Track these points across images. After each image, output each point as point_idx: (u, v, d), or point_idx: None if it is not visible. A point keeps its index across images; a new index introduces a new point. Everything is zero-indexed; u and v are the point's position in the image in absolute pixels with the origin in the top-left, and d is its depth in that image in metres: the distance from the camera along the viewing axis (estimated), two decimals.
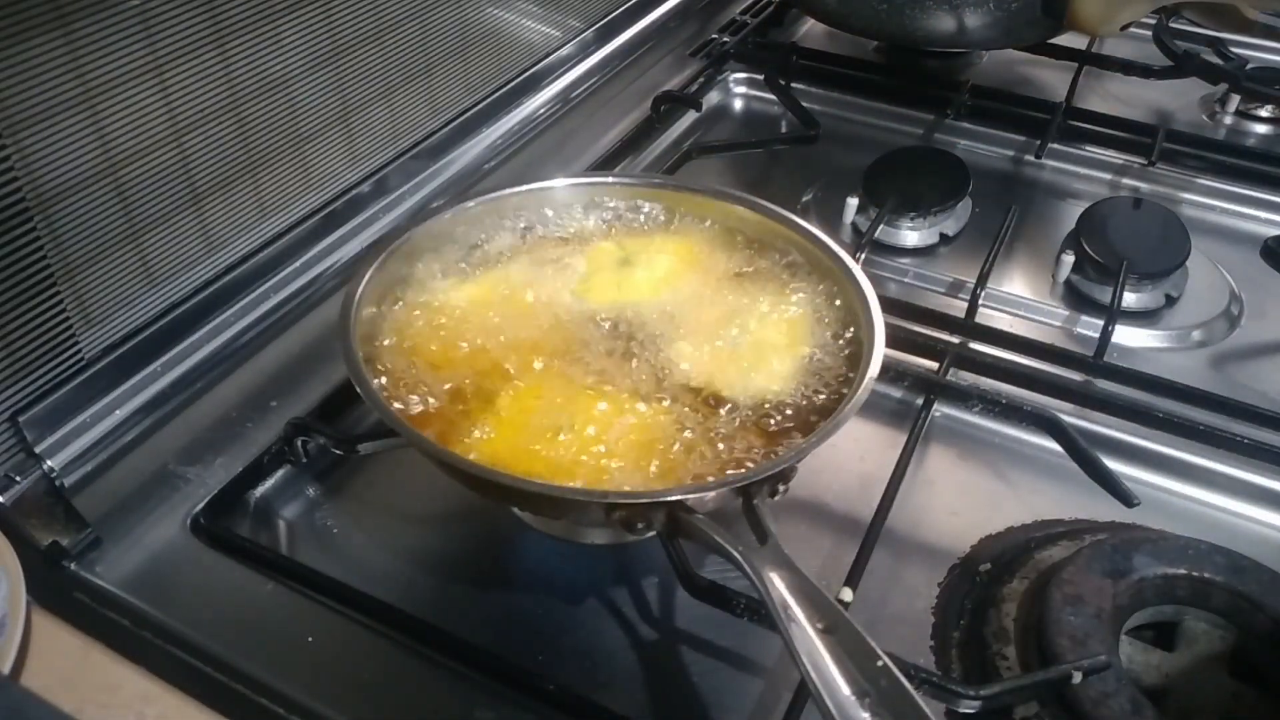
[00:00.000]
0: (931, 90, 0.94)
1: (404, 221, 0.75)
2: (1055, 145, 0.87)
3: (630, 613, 0.53)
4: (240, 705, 0.47)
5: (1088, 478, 0.57)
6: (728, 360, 0.54)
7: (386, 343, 0.55)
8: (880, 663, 0.38)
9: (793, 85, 0.94)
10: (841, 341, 0.55)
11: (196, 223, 0.63)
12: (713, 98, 0.97)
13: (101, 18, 0.53)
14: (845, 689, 0.37)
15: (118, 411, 0.59)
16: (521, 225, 0.63)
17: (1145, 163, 0.85)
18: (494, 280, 0.59)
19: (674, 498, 0.45)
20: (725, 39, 1.02)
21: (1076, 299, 0.73)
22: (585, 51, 0.94)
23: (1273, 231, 0.80)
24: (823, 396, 0.52)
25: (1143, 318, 0.71)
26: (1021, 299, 0.73)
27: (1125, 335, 0.68)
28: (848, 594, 0.50)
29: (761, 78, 0.96)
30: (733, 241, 0.62)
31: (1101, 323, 0.67)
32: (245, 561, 0.53)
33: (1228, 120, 0.95)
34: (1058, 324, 0.71)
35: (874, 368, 0.51)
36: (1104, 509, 0.57)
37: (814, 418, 0.51)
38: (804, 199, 0.83)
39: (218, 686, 0.47)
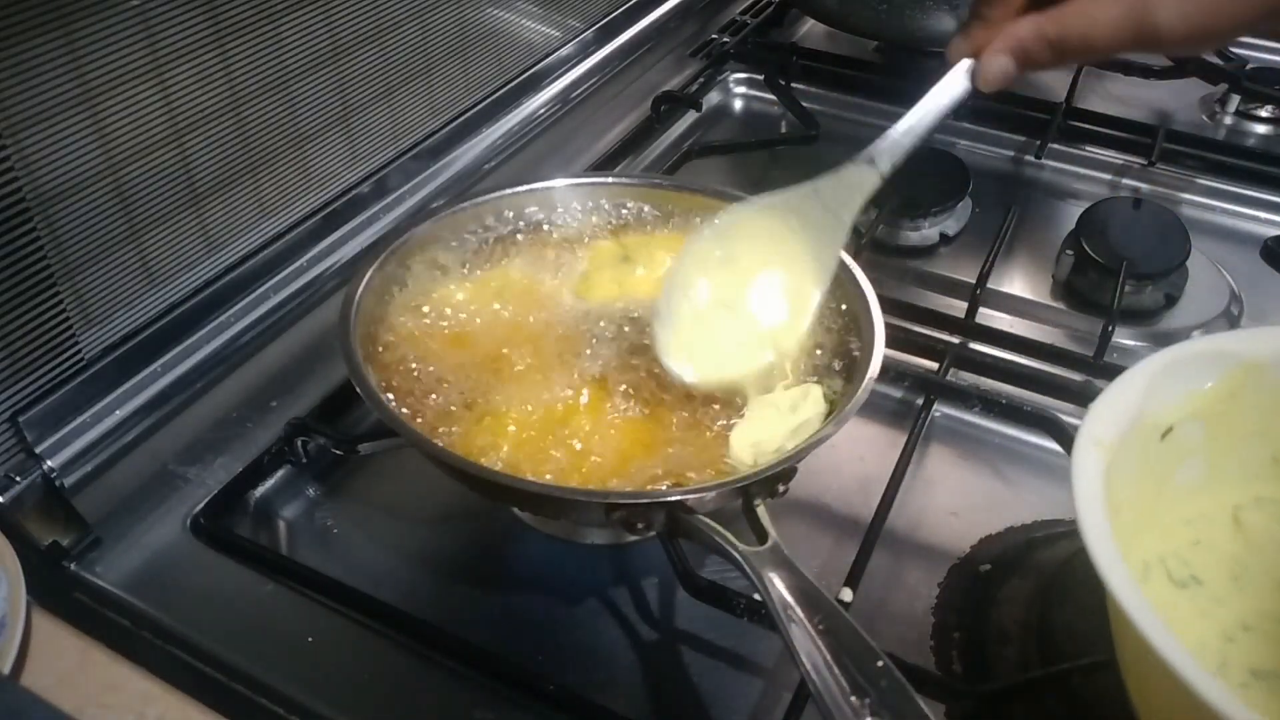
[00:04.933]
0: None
1: (404, 221, 0.75)
2: (1055, 145, 0.87)
3: (630, 613, 0.53)
4: (240, 705, 0.47)
5: None
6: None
7: (386, 343, 0.55)
8: (880, 663, 0.38)
9: (793, 85, 0.94)
10: (841, 341, 0.55)
11: (196, 223, 0.63)
12: (713, 98, 0.97)
13: (101, 18, 0.53)
14: (845, 689, 0.37)
15: (118, 411, 0.59)
16: (522, 225, 0.63)
17: (1145, 163, 0.85)
18: (494, 280, 0.59)
19: (674, 498, 0.45)
20: (725, 39, 1.02)
21: (1076, 299, 0.73)
22: (585, 51, 0.94)
23: (1273, 231, 0.80)
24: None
25: (1143, 318, 0.71)
26: (1021, 299, 0.73)
27: (1125, 335, 0.68)
28: (848, 594, 0.50)
29: (761, 78, 0.96)
30: None
31: (1102, 323, 0.67)
32: (245, 561, 0.53)
33: (1228, 120, 0.95)
34: (1058, 324, 0.71)
35: (874, 368, 0.51)
36: None
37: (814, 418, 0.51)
38: None
39: (218, 686, 0.47)
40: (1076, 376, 0.65)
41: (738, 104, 0.99)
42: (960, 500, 0.59)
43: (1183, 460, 0.46)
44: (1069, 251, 0.74)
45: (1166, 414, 0.45)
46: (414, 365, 0.53)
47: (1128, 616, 0.34)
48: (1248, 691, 0.40)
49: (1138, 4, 0.45)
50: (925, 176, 0.80)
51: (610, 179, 0.65)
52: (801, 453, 0.47)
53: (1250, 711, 0.31)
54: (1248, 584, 0.44)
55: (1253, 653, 0.42)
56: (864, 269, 0.57)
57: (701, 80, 0.96)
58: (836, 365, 0.54)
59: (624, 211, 0.63)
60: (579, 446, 0.50)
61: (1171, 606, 0.43)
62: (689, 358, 0.53)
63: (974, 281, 0.71)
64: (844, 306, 0.56)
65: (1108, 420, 0.42)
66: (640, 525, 0.45)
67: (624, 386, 0.53)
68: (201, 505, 0.56)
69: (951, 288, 0.74)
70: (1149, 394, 0.44)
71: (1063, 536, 0.55)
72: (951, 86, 0.52)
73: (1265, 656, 0.42)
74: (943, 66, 0.53)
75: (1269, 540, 0.46)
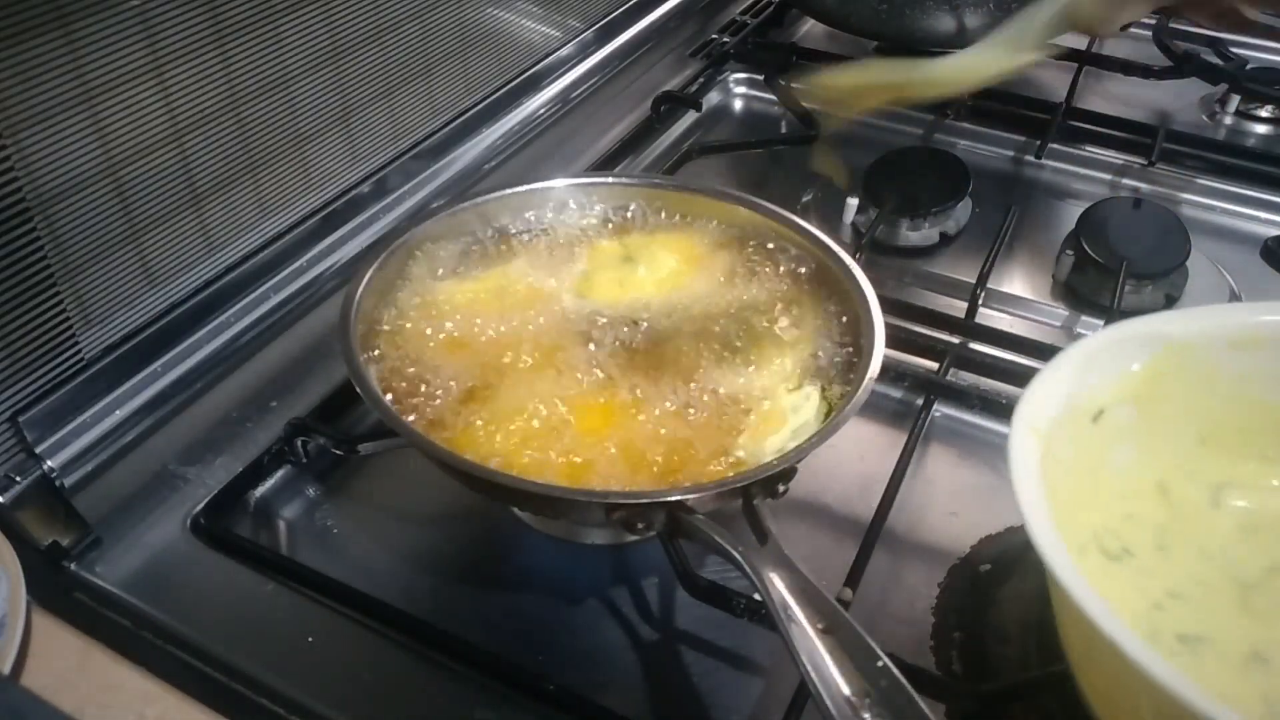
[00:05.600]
0: None
1: (404, 221, 0.75)
2: (1055, 145, 0.87)
3: (630, 613, 0.53)
4: (240, 705, 0.47)
5: None
6: (728, 359, 0.55)
7: (386, 343, 0.55)
8: (880, 663, 0.38)
9: (793, 85, 0.94)
10: (841, 342, 0.55)
11: (196, 223, 0.63)
12: (713, 98, 0.97)
13: (101, 18, 0.53)
14: (845, 689, 0.37)
15: (118, 411, 0.59)
16: (522, 225, 0.63)
17: (1145, 163, 0.85)
18: (494, 279, 0.59)
19: (674, 498, 0.45)
20: (725, 39, 1.02)
21: (1076, 299, 0.73)
22: (585, 51, 0.94)
23: (1273, 231, 0.80)
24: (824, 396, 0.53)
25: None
26: (1021, 299, 0.73)
27: None
28: (848, 594, 0.50)
29: (761, 78, 0.96)
30: (733, 241, 0.62)
31: (1101, 323, 0.67)
32: (245, 561, 0.53)
33: (1228, 120, 0.95)
34: (1058, 324, 0.71)
35: (874, 368, 0.51)
36: None
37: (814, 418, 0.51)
38: (804, 199, 0.83)
39: (218, 686, 0.47)
40: None
41: (738, 104, 0.99)
42: (960, 500, 0.59)
43: (1115, 442, 0.47)
44: (1069, 251, 0.74)
45: (1097, 397, 0.45)
46: (414, 365, 0.53)
47: (1064, 589, 0.35)
48: (1176, 658, 0.41)
49: None
50: (925, 176, 0.80)
51: (610, 179, 0.65)
52: (801, 453, 0.47)
53: (1177, 671, 0.32)
54: (1173, 552, 0.45)
55: (1180, 619, 0.43)
56: (864, 269, 0.57)
57: (701, 80, 0.96)
58: (837, 366, 0.54)
59: (624, 211, 0.63)
60: (580, 446, 0.50)
61: (1106, 580, 0.44)
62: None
63: (974, 281, 0.71)
64: (844, 307, 0.56)
65: (1041, 405, 0.42)
66: (640, 525, 0.45)
67: (625, 386, 0.53)
68: (201, 505, 0.56)
69: (951, 288, 0.74)
70: (1080, 378, 0.44)
71: None
72: None
73: (1191, 621, 0.43)
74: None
75: (1192, 508, 0.47)
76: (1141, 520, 0.46)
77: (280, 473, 0.59)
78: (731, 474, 0.48)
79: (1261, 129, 0.94)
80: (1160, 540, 0.46)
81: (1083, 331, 0.70)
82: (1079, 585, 0.35)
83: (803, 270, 0.59)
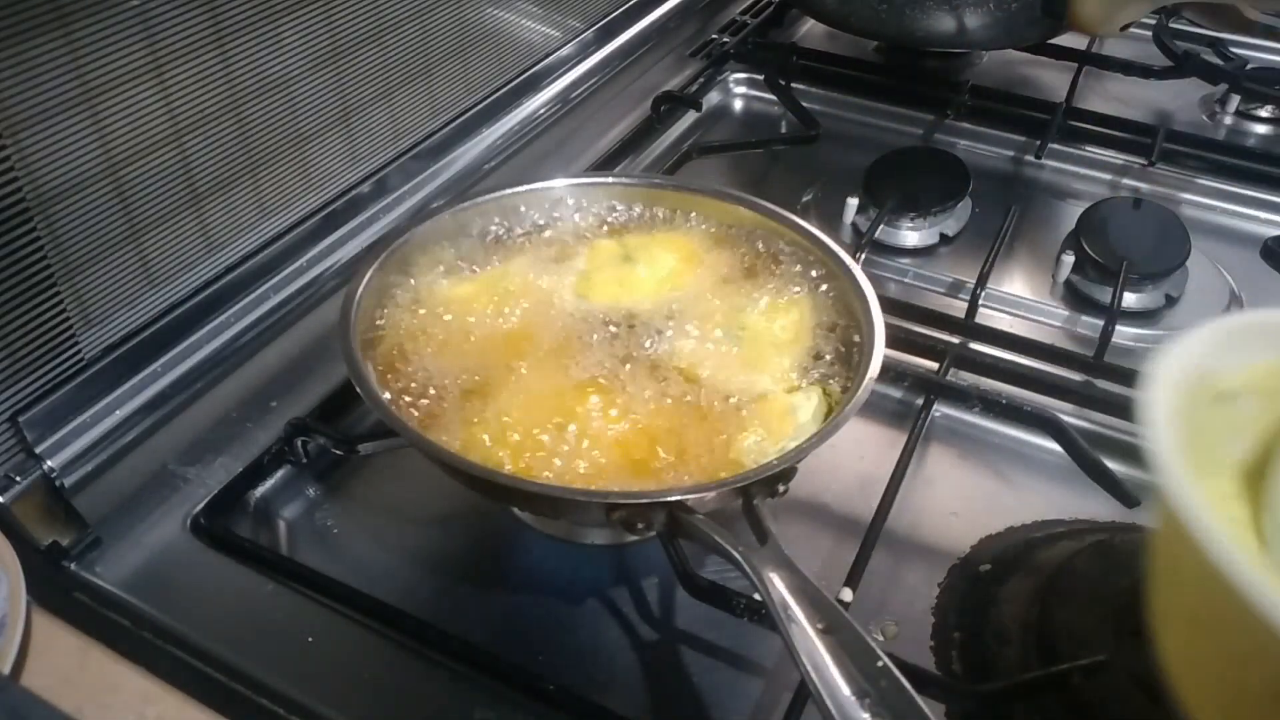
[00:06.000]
0: (931, 90, 0.94)
1: (404, 221, 0.75)
2: (1055, 145, 0.87)
3: (630, 613, 0.53)
4: (240, 705, 0.47)
5: (1088, 478, 0.57)
6: (728, 359, 0.55)
7: (386, 342, 0.55)
8: (880, 663, 0.38)
9: (793, 85, 0.94)
10: (841, 342, 0.55)
11: (196, 223, 0.63)
12: (713, 98, 0.97)
13: (101, 18, 0.53)
14: (845, 689, 0.37)
15: (118, 411, 0.59)
16: (522, 225, 0.63)
17: (1145, 163, 0.85)
18: (494, 279, 0.59)
19: (674, 498, 0.45)
20: (725, 39, 1.02)
21: (1076, 299, 0.73)
22: (585, 52, 0.94)
23: (1273, 231, 0.80)
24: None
25: (1143, 318, 0.71)
26: (1021, 299, 0.73)
27: (1125, 335, 0.68)
28: (848, 594, 0.50)
29: (761, 78, 0.96)
30: (733, 241, 0.62)
31: (1101, 323, 0.67)
32: (245, 561, 0.53)
33: (1228, 120, 0.95)
34: (1058, 324, 0.71)
35: (874, 368, 0.51)
36: (1104, 509, 0.57)
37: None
38: (804, 199, 0.83)
39: (218, 686, 0.47)
40: (1076, 376, 0.65)
41: (738, 104, 0.99)
42: (960, 500, 0.59)
43: (1230, 433, 0.44)
44: (1069, 251, 0.74)
45: (1224, 380, 0.43)
46: (414, 365, 0.53)
47: (1182, 521, 0.31)
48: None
49: None
50: (925, 176, 0.80)
51: (610, 179, 0.65)
52: (802, 453, 0.47)
53: None
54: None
55: None
56: (864, 269, 0.57)
57: (701, 80, 0.96)
58: (837, 366, 0.54)
59: (624, 211, 0.63)
60: (579, 446, 0.50)
61: None
62: None
63: (974, 281, 0.71)
64: (844, 307, 0.56)
65: (1177, 366, 0.40)
66: (640, 525, 0.45)
67: (625, 386, 0.53)
68: (201, 505, 0.55)
69: (951, 288, 0.74)
70: (1215, 355, 0.41)
71: (1063, 536, 0.55)
72: None
73: None
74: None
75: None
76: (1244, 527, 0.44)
77: (280, 473, 0.59)
78: (731, 474, 0.48)
79: (1261, 129, 0.94)
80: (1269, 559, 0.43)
81: (1083, 332, 0.70)
82: (1205, 519, 0.31)
83: (802, 270, 0.59)
